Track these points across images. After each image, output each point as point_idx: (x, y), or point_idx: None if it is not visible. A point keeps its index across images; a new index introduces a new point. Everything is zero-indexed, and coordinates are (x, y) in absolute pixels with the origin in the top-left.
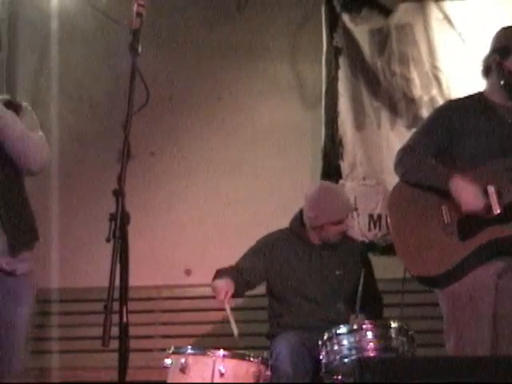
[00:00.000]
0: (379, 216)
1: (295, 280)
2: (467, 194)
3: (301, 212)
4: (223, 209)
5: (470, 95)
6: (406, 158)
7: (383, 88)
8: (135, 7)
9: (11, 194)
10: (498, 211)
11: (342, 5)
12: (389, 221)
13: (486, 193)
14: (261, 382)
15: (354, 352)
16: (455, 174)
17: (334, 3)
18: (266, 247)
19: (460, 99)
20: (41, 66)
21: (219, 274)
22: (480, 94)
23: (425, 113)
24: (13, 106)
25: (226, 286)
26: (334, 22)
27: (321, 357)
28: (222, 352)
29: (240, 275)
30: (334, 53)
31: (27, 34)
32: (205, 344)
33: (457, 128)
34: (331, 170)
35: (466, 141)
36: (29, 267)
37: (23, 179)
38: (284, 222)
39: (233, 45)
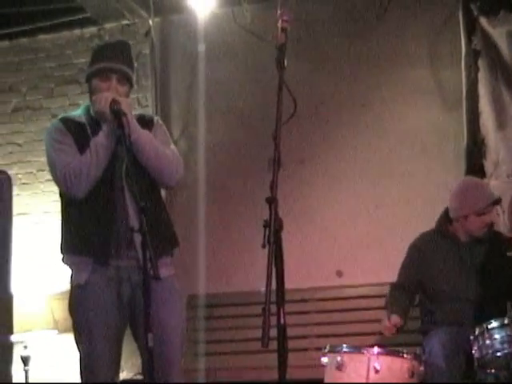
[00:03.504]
0: None
1: (446, 278)
2: None
3: (446, 211)
4: (372, 211)
5: None
6: None
7: None
8: (280, 23)
9: (149, 204)
10: None
11: (480, 8)
12: None
13: None
14: (415, 376)
15: (506, 346)
16: None
17: (472, 7)
18: (416, 252)
19: None
20: (192, 83)
21: (388, 308)
22: None
23: None
24: (145, 120)
25: (392, 321)
26: (471, 26)
27: (473, 351)
28: (376, 349)
29: (403, 290)
30: (473, 55)
31: (178, 55)
32: (359, 342)
33: None
34: (475, 169)
35: None
36: (170, 272)
37: (159, 189)
38: (431, 222)
39: (374, 53)
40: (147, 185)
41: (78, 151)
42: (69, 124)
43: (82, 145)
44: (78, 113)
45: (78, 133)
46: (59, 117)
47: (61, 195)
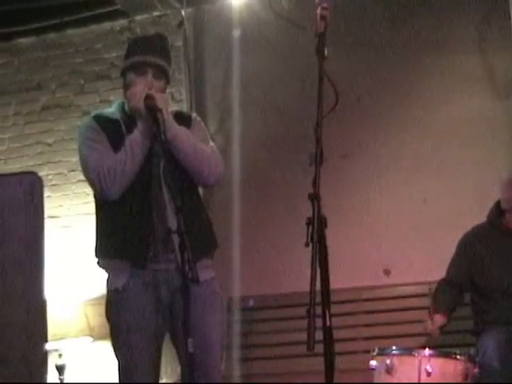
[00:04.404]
0: None
1: (498, 274)
2: None
3: (498, 203)
4: (419, 206)
5: None
6: None
7: None
8: (319, 11)
9: (187, 204)
10: None
11: None
12: None
13: None
14: (469, 379)
15: None
16: None
17: None
18: (466, 247)
19: None
20: (227, 75)
21: (432, 305)
22: None
23: None
24: (183, 117)
25: (435, 323)
26: None
27: None
28: (427, 351)
29: (451, 287)
30: None
31: (212, 46)
32: (408, 344)
33: None
34: None
35: None
36: (210, 274)
37: (198, 188)
38: (482, 216)
39: (418, 39)
40: (186, 183)
41: (112, 150)
42: (102, 122)
43: (117, 143)
44: (111, 110)
45: (112, 131)
46: (92, 114)
47: (95, 196)
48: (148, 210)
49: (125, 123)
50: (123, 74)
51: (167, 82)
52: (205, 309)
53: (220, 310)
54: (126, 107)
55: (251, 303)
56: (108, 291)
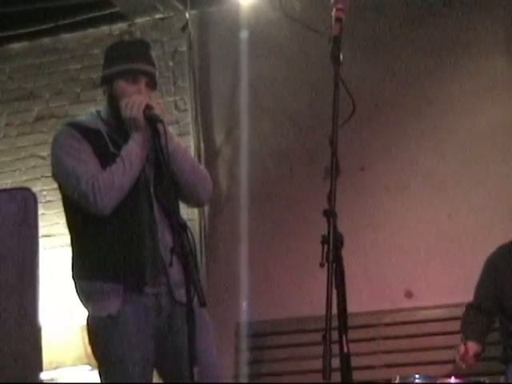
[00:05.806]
0: None
1: None
2: None
3: None
4: (442, 222)
5: None
6: None
7: None
8: (334, 12)
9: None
10: None
11: None
12: None
13: None
14: None
15: None
16: None
17: None
18: (493, 268)
19: None
20: (235, 83)
21: (463, 333)
22: None
23: None
24: None
25: (470, 350)
26: None
27: None
28: (453, 380)
29: (480, 311)
30: None
31: (218, 52)
32: (433, 371)
33: None
34: None
35: None
36: None
37: None
38: (510, 233)
39: (441, 43)
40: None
41: (97, 161)
42: (83, 131)
43: (101, 155)
44: (86, 118)
45: (96, 141)
46: (67, 122)
47: (71, 211)
48: (139, 227)
49: (107, 134)
50: (108, 81)
51: (154, 90)
52: (202, 331)
53: (212, 331)
54: (104, 115)
55: (245, 306)
56: (95, 317)
